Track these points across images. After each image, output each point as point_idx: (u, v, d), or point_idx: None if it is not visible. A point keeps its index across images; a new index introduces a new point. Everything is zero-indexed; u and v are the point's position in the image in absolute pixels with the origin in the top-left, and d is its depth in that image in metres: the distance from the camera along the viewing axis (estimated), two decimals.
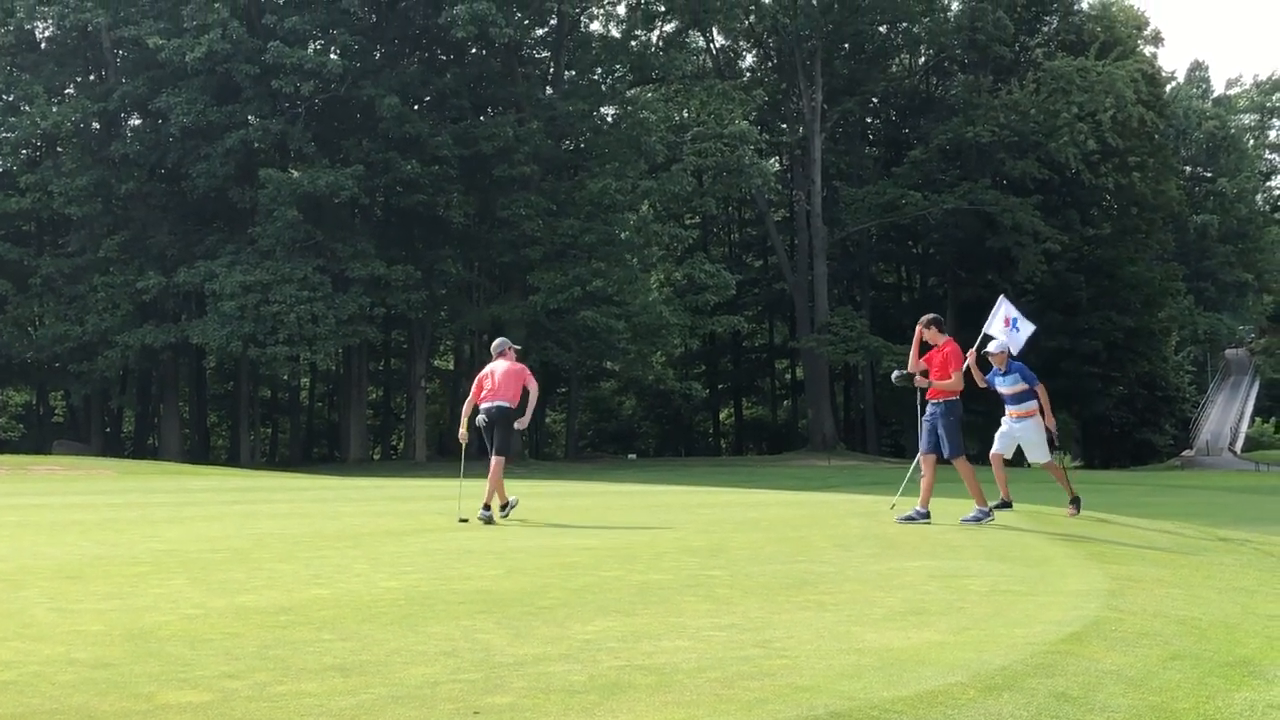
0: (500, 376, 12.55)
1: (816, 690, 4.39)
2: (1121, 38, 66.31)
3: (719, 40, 67.21)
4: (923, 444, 12.14)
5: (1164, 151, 70.57)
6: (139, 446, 59.47)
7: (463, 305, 55.26)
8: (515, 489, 12.89)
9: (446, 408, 69.41)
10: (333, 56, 47.85)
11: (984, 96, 60.49)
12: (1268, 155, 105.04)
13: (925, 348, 12.09)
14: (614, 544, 9.82)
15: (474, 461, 13.99)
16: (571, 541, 9.99)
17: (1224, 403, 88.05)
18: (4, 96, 49.73)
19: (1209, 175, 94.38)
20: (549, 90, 54.76)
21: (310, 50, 46.64)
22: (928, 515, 11.86)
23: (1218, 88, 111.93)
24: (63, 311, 47.60)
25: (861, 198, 60.49)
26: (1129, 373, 67.92)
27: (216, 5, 45.08)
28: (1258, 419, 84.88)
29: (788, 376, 79.78)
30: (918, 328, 12.06)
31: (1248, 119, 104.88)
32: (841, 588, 7.15)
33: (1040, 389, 12.82)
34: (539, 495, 17.01)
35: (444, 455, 59.22)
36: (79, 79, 51.97)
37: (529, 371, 12.74)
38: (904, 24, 63.98)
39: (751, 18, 63.04)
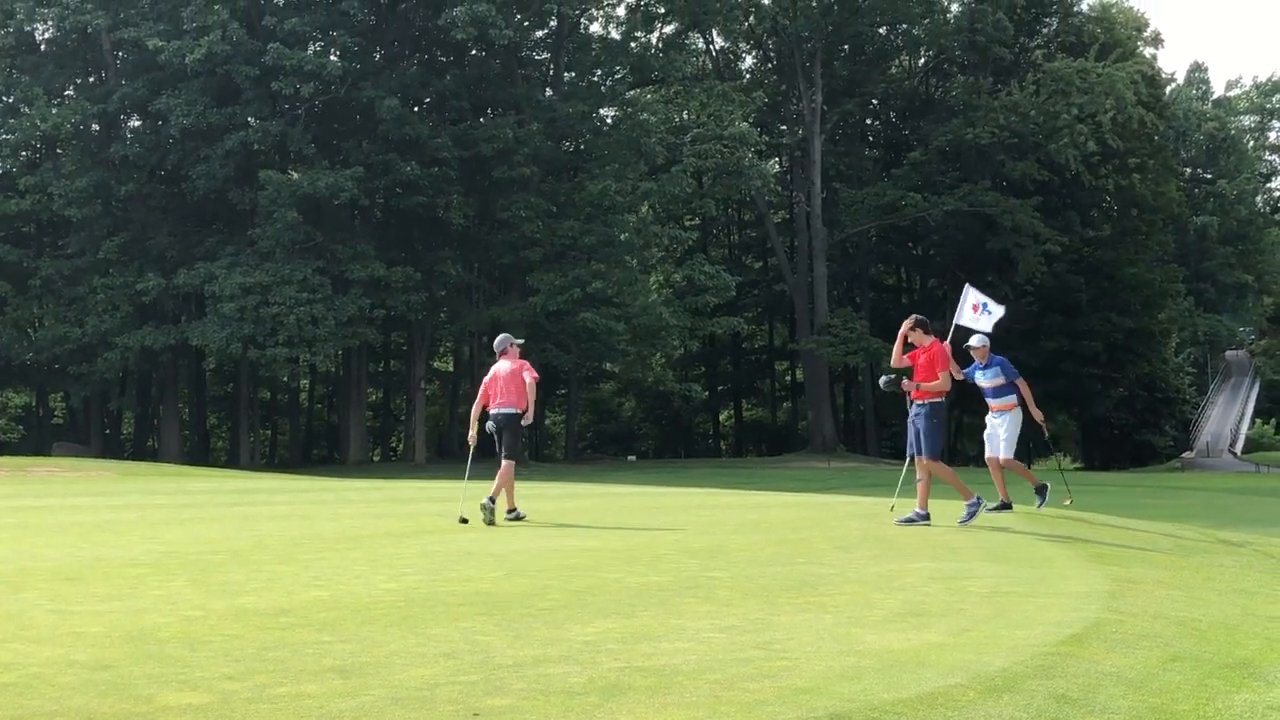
0: (504, 380, 12.53)
1: (816, 692, 4.39)
2: (1121, 39, 66.35)
3: (719, 42, 67.25)
4: (910, 446, 12.16)
5: (1164, 153, 70.58)
6: (138, 448, 59.47)
7: (462, 307, 55.25)
8: (516, 490, 12.84)
9: (446, 409, 69.39)
10: (332, 58, 47.85)
11: (984, 98, 60.51)
12: (1267, 157, 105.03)
13: (909, 346, 12.09)
14: (614, 546, 9.81)
15: (478, 463, 13.97)
16: (571, 543, 9.99)
17: (1224, 404, 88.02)
18: (4, 98, 49.74)
19: (1209, 177, 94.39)
20: (549, 92, 54.79)
21: (310, 52, 46.63)
22: (927, 517, 11.85)
23: (1217, 89, 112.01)
24: (62, 313, 47.59)
25: (861, 199, 60.50)
26: (1129, 374, 67.92)
27: (216, 7, 45.09)
28: (1258, 420, 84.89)
29: (787, 378, 79.77)
30: (903, 326, 12.06)
31: (1247, 120, 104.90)
32: (841, 589, 7.14)
33: (1022, 383, 12.78)
34: (539, 497, 17.00)
35: (443, 457, 59.23)
36: (79, 81, 51.99)
37: (527, 364, 12.64)
38: (904, 26, 64.00)
39: (751, 19, 63.06)
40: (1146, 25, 73.41)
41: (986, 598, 6.85)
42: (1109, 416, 70.93)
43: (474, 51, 53.46)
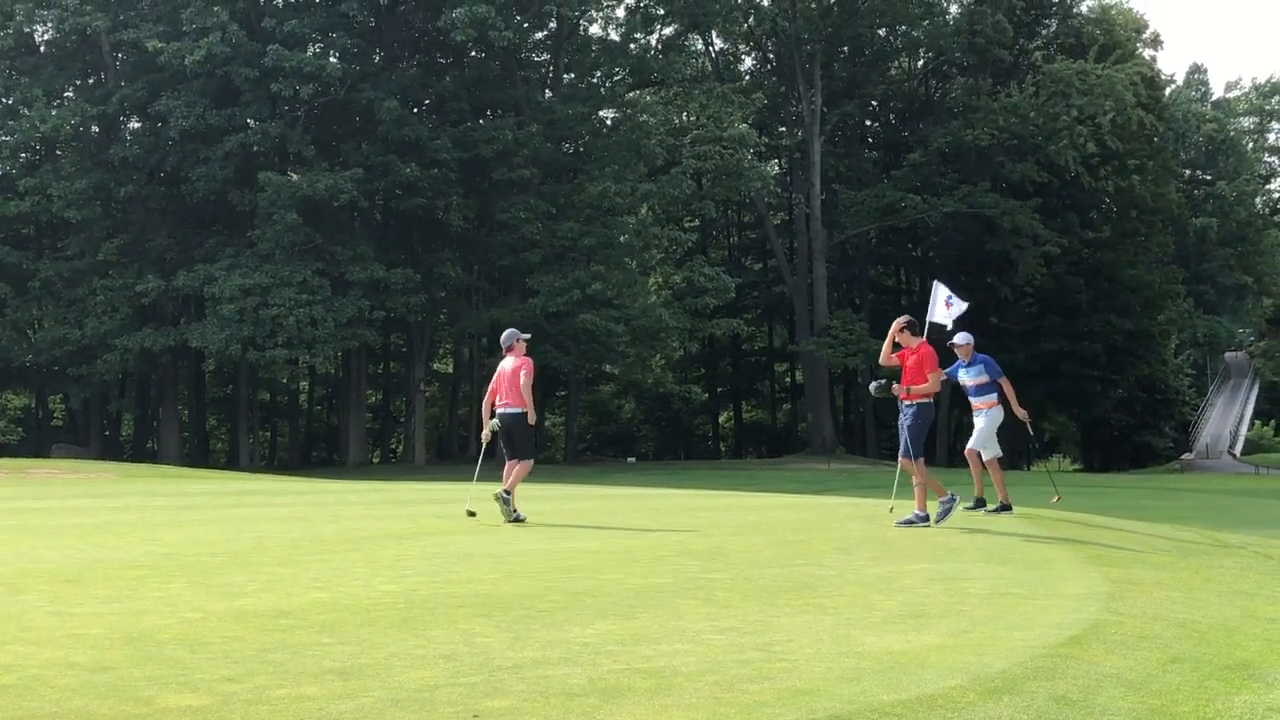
0: (508, 378, 12.52)
1: (816, 693, 4.39)
2: (1121, 41, 66.36)
3: (718, 43, 67.27)
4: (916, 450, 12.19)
5: (1163, 154, 70.58)
6: (138, 450, 59.46)
7: (462, 308, 55.27)
8: (517, 493, 12.83)
9: (446, 411, 69.41)
10: (332, 60, 47.89)
11: (983, 100, 60.51)
12: (1267, 158, 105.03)
13: (898, 346, 12.10)
14: (613, 547, 9.81)
15: (488, 462, 13.97)
16: (571, 545, 9.99)
17: (1223, 406, 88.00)
18: (3, 100, 49.76)
19: (1208, 178, 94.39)
20: (548, 93, 54.81)
21: (309, 53, 46.67)
22: (927, 518, 11.85)
23: (1217, 91, 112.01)
24: (62, 315, 47.60)
25: (861, 201, 60.50)
26: (1129, 376, 67.93)
27: (216, 8, 45.13)
28: (1257, 422, 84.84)
29: (787, 380, 79.79)
30: (894, 325, 12.07)
31: (1247, 122, 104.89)
32: (841, 591, 7.14)
33: (1004, 382, 12.76)
34: (539, 498, 16.98)
35: (443, 459, 59.22)
36: (78, 82, 52.00)
37: (527, 363, 12.56)
38: (903, 27, 64.01)
39: (750, 21, 63.07)
40: (1146, 27, 73.46)
41: (986, 599, 6.85)
42: (1108, 418, 70.95)
43: (473, 53, 53.49)
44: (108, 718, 4.01)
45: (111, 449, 56.18)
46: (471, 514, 12.59)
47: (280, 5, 50.47)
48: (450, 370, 71.10)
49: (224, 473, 38.67)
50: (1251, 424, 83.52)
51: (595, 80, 57.16)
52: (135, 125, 51.91)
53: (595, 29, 60.49)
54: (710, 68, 65.60)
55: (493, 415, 12.68)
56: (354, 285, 46.50)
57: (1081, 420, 72.97)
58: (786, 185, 67.13)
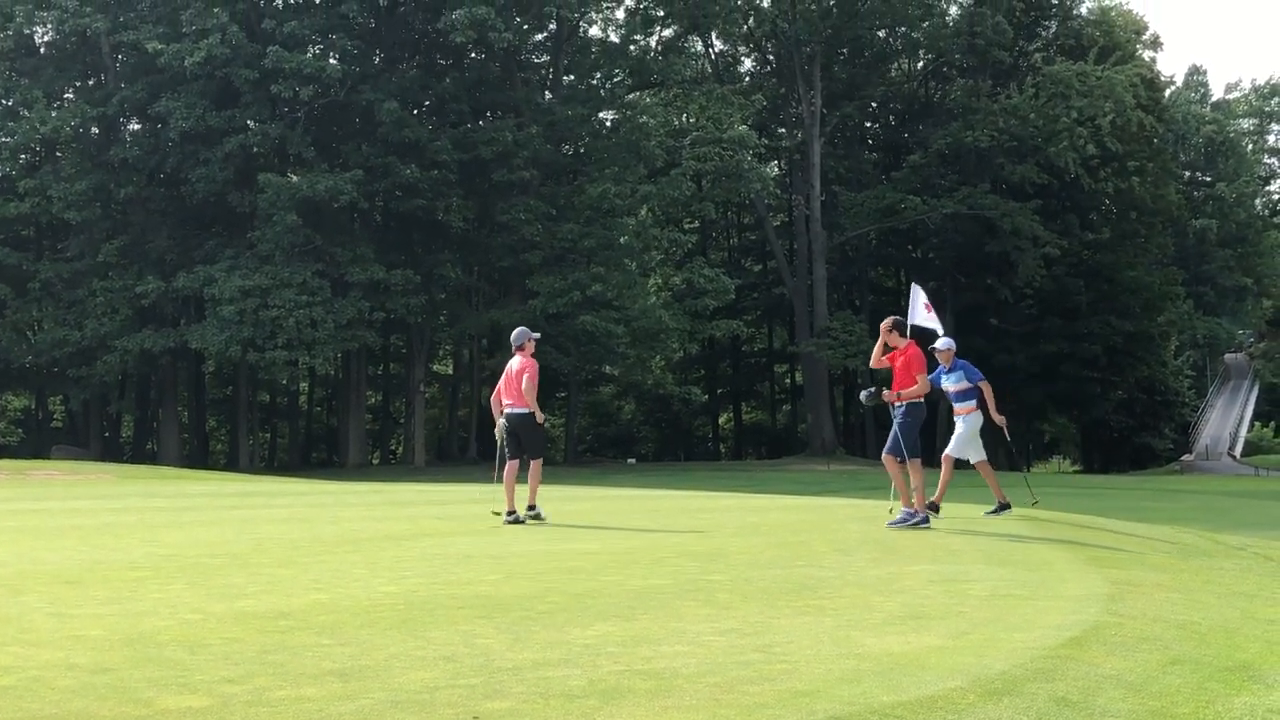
0: (514, 378, 12.57)
1: (816, 695, 4.38)
2: (1120, 42, 66.38)
3: (718, 45, 67.28)
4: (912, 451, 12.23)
5: (1163, 156, 70.60)
6: (138, 451, 59.47)
7: (462, 310, 55.28)
8: (518, 494, 12.84)
9: (445, 412, 69.41)
10: (332, 61, 47.91)
11: (983, 101, 60.53)
12: (1266, 160, 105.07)
13: (889, 348, 12.14)
14: (613, 548, 9.81)
15: (488, 463, 14.10)
16: (571, 546, 9.99)
17: (1223, 407, 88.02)
18: (3, 101, 49.79)
19: (1208, 180, 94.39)
20: (548, 95, 54.83)
21: (309, 55, 46.69)
22: (927, 520, 11.88)
23: (1216, 92, 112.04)
24: (62, 316, 47.61)
25: (860, 202, 60.51)
26: (1128, 377, 67.95)
27: (215, 10, 45.15)
28: (1257, 423, 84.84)
29: (787, 381, 79.78)
30: (882, 327, 12.11)
31: (1246, 123, 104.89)
32: (841, 592, 7.14)
33: (985, 386, 12.75)
34: (539, 500, 16.97)
35: (443, 460, 59.23)
36: (78, 84, 52.02)
37: (531, 365, 12.59)
38: (903, 29, 64.03)
39: (750, 22, 63.10)
40: (1145, 28, 73.49)
41: (986, 601, 6.85)
42: (1108, 419, 70.96)
43: (473, 54, 53.51)
44: (108, 719, 4.01)
45: (111, 450, 56.19)
46: (497, 514, 12.64)
47: (280, 7, 50.51)
48: (450, 371, 71.10)
49: (224, 474, 38.68)
50: (1251, 425, 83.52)
51: (595, 82, 57.19)
52: (135, 127, 51.93)
53: (595, 30, 60.57)
54: (710, 69, 65.62)
55: (500, 414, 12.71)
56: (354, 286, 46.50)
57: (1081, 422, 72.98)
58: (786, 187, 67.14)
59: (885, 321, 12.14)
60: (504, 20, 46.96)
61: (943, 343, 12.83)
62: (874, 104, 69.95)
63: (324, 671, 4.74)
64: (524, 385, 12.35)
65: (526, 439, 12.57)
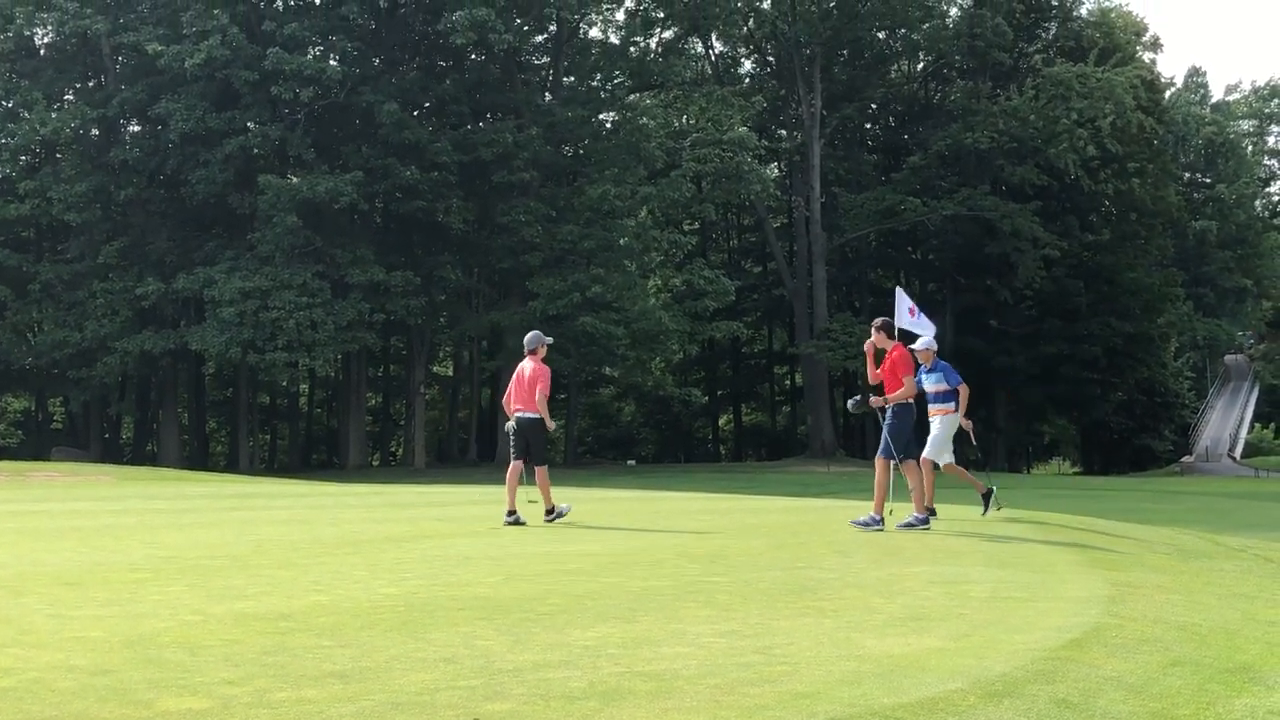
0: (526, 382, 12.66)
1: (817, 697, 4.38)
2: (1120, 44, 66.41)
3: (718, 46, 67.29)
4: (907, 452, 12.28)
5: (1163, 157, 70.63)
6: (138, 453, 59.46)
7: (462, 311, 55.28)
8: (519, 495, 12.86)
9: (446, 414, 69.43)
10: (332, 63, 47.93)
11: (983, 103, 60.54)
12: (1266, 161, 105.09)
13: (881, 353, 12.15)
14: (613, 550, 9.81)
15: (485, 467, 14.19)
16: (571, 548, 9.99)
17: (1223, 408, 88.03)
18: (3, 103, 49.80)
19: (1208, 181, 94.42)
20: (548, 96, 54.84)
21: (309, 56, 46.71)
22: (927, 520, 11.87)
23: (1216, 94, 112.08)
24: (62, 318, 47.61)
25: (860, 204, 60.52)
26: (1128, 379, 67.97)
27: (216, 12, 45.17)
28: (1257, 425, 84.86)
29: (787, 382, 79.78)
30: (872, 328, 12.16)
31: (1246, 125, 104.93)
32: (841, 594, 7.14)
33: (963, 388, 12.72)
34: (539, 502, 16.98)
35: (443, 461, 59.24)
36: (78, 85, 52.03)
37: (544, 373, 12.70)
38: (903, 30, 64.05)
39: (750, 24, 63.11)
40: (1145, 30, 73.54)
41: (986, 602, 6.85)
42: (1108, 421, 70.97)
43: (473, 56, 53.51)
44: None
45: (111, 452, 56.18)
46: (533, 501, 12.95)
47: (280, 8, 50.52)
48: (450, 373, 71.11)
49: (224, 476, 38.68)
50: (1251, 427, 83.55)
51: (595, 83, 57.19)
52: (135, 128, 51.93)
53: (595, 32, 60.60)
54: (710, 71, 65.64)
55: (511, 415, 12.86)
56: (354, 288, 46.51)
57: (1081, 423, 73.00)
58: (786, 188, 67.15)
59: (875, 322, 12.20)
60: (504, 22, 46.97)
61: (922, 343, 12.80)
62: (874, 105, 69.97)
63: (324, 673, 4.74)
64: (538, 396, 12.49)
65: (535, 443, 12.71)
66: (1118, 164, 62.72)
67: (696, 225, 69.84)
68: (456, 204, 49.69)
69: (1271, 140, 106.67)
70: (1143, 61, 69.06)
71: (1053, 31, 68.22)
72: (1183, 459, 71.89)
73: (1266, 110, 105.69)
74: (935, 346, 12.80)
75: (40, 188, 46.70)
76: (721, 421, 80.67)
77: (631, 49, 58.08)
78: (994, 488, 13.65)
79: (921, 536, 11.11)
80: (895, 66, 70.45)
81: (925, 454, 12.62)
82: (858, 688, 4.54)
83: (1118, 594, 7.36)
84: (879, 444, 12.07)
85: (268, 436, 70.51)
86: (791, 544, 10.46)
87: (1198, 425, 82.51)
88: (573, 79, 56.11)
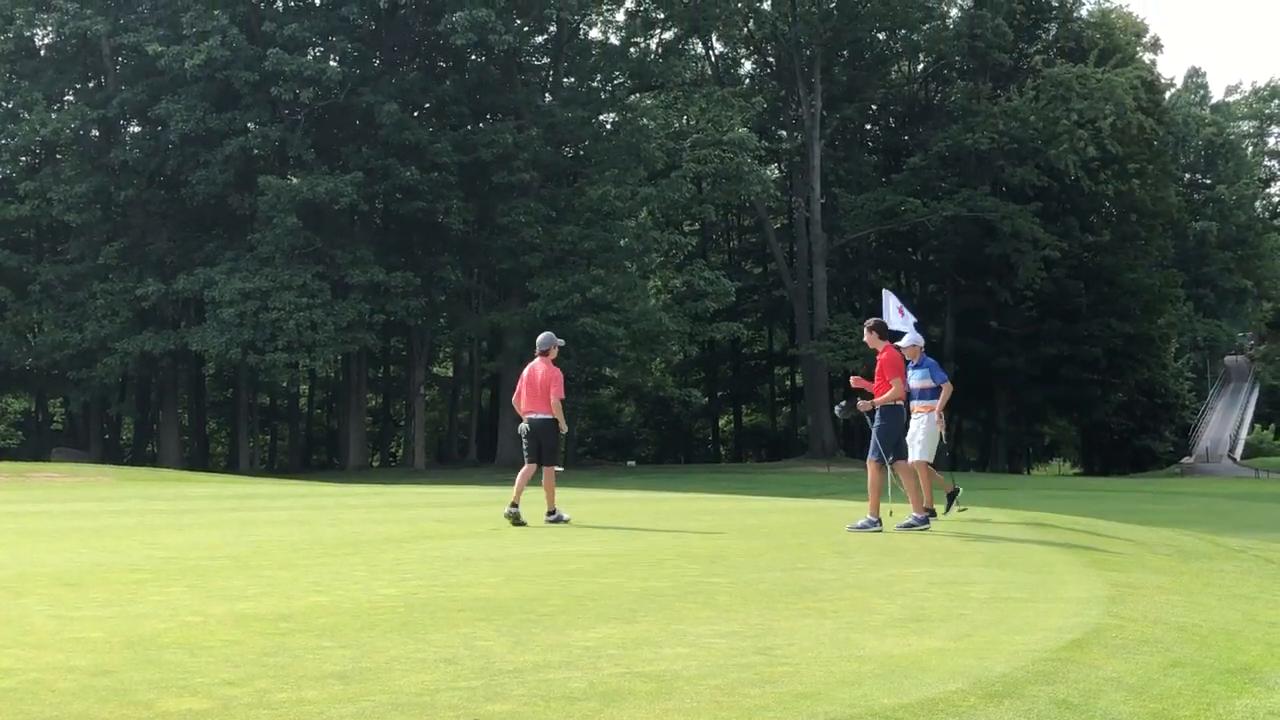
0: (539, 385, 12.72)
1: (817, 697, 4.38)
2: (1120, 45, 66.42)
3: (718, 47, 67.29)
4: (898, 453, 12.31)
5: (1163, 158, 70.64)
6: (138, 454, 59.45)
7: (462, 312, 55.27)
8: (525, 496, 12.89)
9: (446, 415, 69.42)
10: (332, 63, 47.91)
11: (983, 104, 60.54)
12: (1266, 162, 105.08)
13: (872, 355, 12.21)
14: (614, 551, 9.81)
15: (495, 469, 14.26)
16: (571, 548, 9.99)
17: (1224, 409, 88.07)
18: (3, 103, 49.77)
19: (1208, 182, 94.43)
20: (548, 97, 54.82)
21: (310, 57, 46.69)
22: (926, 520, 11.89)
23: (1216, 94, 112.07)
24: (62, 318, 47.60)
25: (861, 204, 60.51)
26: (1129, 379, 67.97)
27: (216, 12, 45.16)
28: (1257, 426, 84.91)
29: (787, 383, 79.75)
30: (865, 328, 12.23)
31: (1246, 126, 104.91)
32: (842, 595, 7.14)
33: (946, 388, 12.71)
34: (538, 502, 16.98)
35: (443, 462, 59.24)
36: (78, 86, 52.02)
37: (556, 376, 12.76)
38: (903, 31, 64.06)
39: (750, 25, 63.12)
40: (1145, 31, 73.55)
41: (987, 603, 6.85)
42: (1109, 422, 70.97)
43: (474, 57, 53.50)
44: None
45: (111, 453, 56.17)
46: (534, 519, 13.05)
47: (280, 9, 50.51)
48: (450, 374, 71.11)
49: (224, 476, 38.68)
50: (1251, 428, 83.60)
51: (595, 84, 57.18)
52: (135, 129, 51.92)
53: (595, 33, 60.57)
54: (710, 72, 65.65)
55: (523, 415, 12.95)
56: (354, 289, 46.49)
57: (1082, 424, 73.00)
58: (786, 189, 67.16)
59: (868, 322, 12.23)
60: (504, 23, 46.96)
61: (909, 339, 12.80)
62: (874, 106, 69.96)
63: (325, 674, 4.74)
64: (553, 401, 12.61)
65: (546, 444, 12.82)
66: (1118, 165, 62.74)
67: (697, 226, 69.83)
68: (456, 205, 49.67)
69: (1272, 141, 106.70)
70: (1143, 62, 69.05)
71: (1053, 32, 68.22)
72: (1183, 460, 71.93)
73: (1266, 111, 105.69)
74: (921, 343, 12.82)
75: (40, 188, 46.69)
76: (722, 422, 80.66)
77: (632, 50, 58.07)
78: (960, 488, 13.61)
79: (921, 537, 11.12)
80: (895, 67, 70.46)
81: (915, 457, 12.61)
82: (858, 688, 4.54)
83: (1118, 595, 7.36)
84: (872, 448, 12.07)
85: (268, 437, 70.50)
86: (792, 545, 10.46)
87: (1198, 426, 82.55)
88: (573, 80, 56.11)
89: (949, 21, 64.26)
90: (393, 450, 69.68)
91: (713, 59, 66.78)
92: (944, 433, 13.20)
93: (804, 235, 63.04)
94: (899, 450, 12.02)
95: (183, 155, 47.08)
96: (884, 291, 14.27)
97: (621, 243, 51.55)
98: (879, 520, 11.88)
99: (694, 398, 60.63)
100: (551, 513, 12.87)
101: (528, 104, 51.82)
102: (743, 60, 70.31)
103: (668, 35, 61.61)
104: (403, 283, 47.12)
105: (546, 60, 57.45)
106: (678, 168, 52.44)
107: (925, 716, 4.19)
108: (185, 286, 45.16)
